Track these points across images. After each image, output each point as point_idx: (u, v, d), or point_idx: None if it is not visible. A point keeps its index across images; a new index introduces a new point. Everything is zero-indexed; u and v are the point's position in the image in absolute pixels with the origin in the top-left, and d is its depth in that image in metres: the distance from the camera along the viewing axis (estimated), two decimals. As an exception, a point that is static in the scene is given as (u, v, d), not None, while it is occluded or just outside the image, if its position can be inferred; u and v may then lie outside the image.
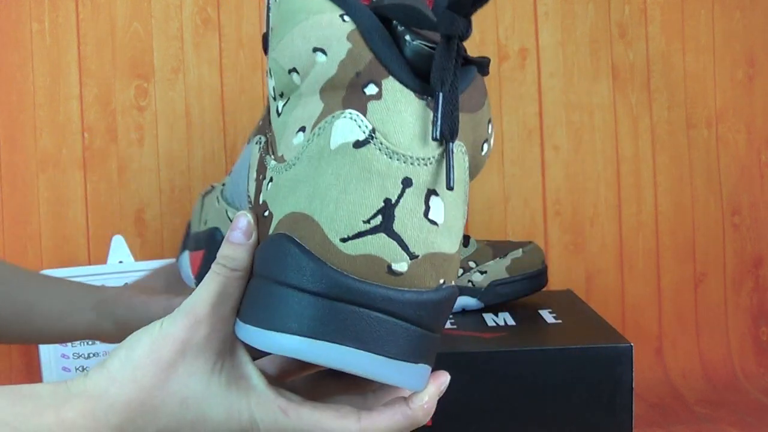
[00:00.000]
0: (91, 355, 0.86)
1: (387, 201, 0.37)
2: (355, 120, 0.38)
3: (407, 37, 0.38)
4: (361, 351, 0.37)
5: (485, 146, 0.41)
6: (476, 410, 0.65)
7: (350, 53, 0.39)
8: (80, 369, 0.85)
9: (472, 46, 0.96)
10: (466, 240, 0.81)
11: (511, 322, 0.74)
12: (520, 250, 0.82)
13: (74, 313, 0.61)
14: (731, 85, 0.97)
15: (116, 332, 0.60)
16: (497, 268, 0.80)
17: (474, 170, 0.42)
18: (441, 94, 0.37)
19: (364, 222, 0.37)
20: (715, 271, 0.98)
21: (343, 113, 0.38)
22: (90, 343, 0.86)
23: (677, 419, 0.79)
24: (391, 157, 0.37)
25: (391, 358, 0.38)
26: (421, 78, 0.38)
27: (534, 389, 0.65)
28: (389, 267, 0.37)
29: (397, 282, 0.38)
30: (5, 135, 0.95)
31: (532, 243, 0.83)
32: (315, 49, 0.39)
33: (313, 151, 0.39)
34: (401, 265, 0.37)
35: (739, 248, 0.98)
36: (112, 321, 0.60)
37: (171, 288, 0.62)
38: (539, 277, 0.81)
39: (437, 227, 0.38)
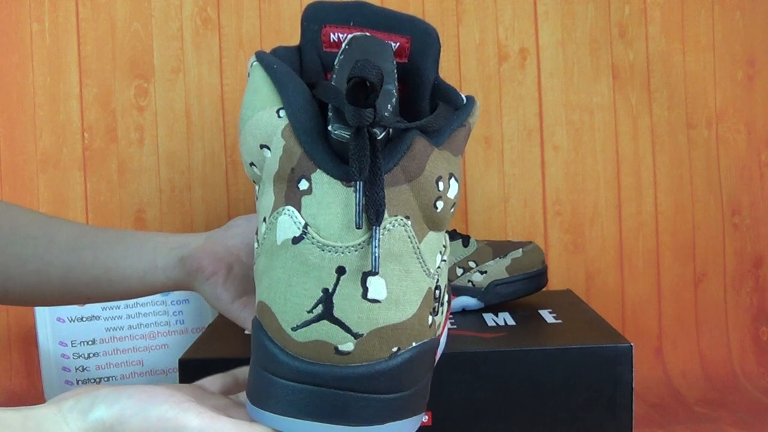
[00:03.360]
0: (91, 355, 0.86)
1: (325, 290, 0.41)
2: (291, 217, 0.41)
3: (329, 127, 0.41)
4: (328, 424, 0.42)
5: (439, 203, 0.43)
6: (476, 410, 0.65)
7: (285, 149, 0.41)
8: (80, 369, 0.85)
9: (472, 47, 0.96)
10: (466, 240, 0.81)
11: (511, 322, 0.74)
12: (520, 250, 0.82)
13: (157, 273, 0.62)
14: (731, 85, 0.97)
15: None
16: (497, 268, 0.80)
17: (435, 226, 0.43)
18: (360, 183, 0.40)
19: (308, 312, 0.41)
20: (715, 271, 0.98)
21: (284, 209, 0.42)
22: (90, 342, 0.86)
23: (677, 419, 0.79)
24: (323, 250, 0.41)
25: (354, 426, 0.42)
26: (347, 164, 0.41)
27: (534, 389, 0.65)
28: (336, 348, 0.41)
29: (346, 360, 0.42)
30: (5, 135, 0.95)
31: (532, 243, 0.83)
32: (261, 146, 0.43)
33: (268, 245, 0.43)
34: (347, 346, 0.41)
35: (739, 248, 0.98)
36: (194, 278, 0.61)
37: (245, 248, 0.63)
38: (539, 277, 0.82)
39: (379, 304, 0.41)
